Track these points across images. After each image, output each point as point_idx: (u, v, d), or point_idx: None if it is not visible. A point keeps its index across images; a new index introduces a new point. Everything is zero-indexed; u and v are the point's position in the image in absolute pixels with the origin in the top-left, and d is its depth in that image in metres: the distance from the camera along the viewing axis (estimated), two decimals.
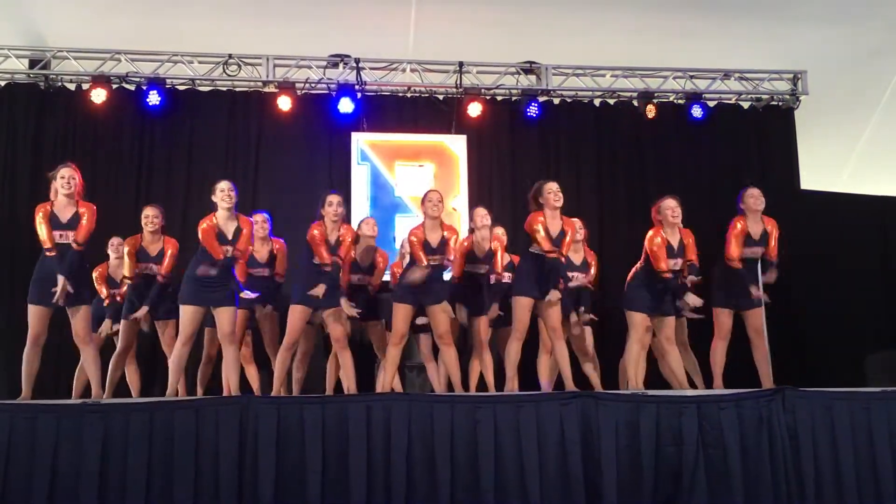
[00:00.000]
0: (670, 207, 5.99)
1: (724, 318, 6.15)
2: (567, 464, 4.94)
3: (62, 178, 5.53)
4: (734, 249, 6.08)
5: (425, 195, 6.00)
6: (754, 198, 6.20)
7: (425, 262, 5.73)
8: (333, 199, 5.87)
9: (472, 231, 6.33)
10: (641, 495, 4.94)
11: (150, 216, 6.13)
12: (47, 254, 5.45)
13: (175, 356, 5.68)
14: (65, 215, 5.51)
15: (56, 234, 5.47)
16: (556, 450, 4.96)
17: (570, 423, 4.99)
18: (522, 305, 5.83)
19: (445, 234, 5.87)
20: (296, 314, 5.76)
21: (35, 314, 5.51)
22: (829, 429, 5.18)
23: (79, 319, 5.56)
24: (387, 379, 5.91)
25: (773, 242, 6.19)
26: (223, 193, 5.71)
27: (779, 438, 5.07)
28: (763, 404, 5.13)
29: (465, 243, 6.21)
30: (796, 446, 5.09)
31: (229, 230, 5.69)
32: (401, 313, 5.78)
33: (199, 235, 5.67)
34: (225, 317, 5.63)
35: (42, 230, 5.46)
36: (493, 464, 4.90)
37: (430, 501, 4.84)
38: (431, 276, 5.81)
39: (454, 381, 5.93)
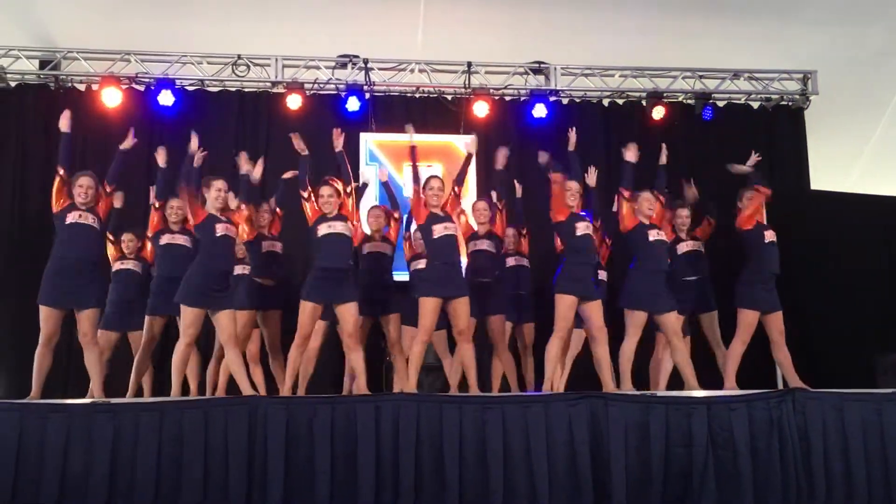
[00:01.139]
0: (647, 199, 6.01)
1: (749, 319, 6.02)
2: (576, 465, 4.93)
3: (80, 186, 5.70)
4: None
5: (426, 182, 5.90)
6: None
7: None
8: (325, 190, 5.81)
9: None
10: (650, 497, 4.93)
11: (174, 206, 6.20)
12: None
13: (177, 356, 5.64)
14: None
15: (76, 213, 5.63)
16: (565, 451, 4.95)
17: (579, 424, 4.98)
18: (566, 303, 5.74)
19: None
20: (306, 310, 5.66)
21: (47, 315, 5.55)
22: (839, 430, 5.15)
23: (86, 320, 5.61)
24: (412, 378, 5.75)
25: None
26: (218, 193, 5.72)
27: (789, 440, 5.05)
28: (773, 405, 5.11)
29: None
30: (807, 448, 5.07)
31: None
32: (429, 307, 5.67)
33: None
34: (223, 320, 5.58)
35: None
36: (501, 464, 4.89)
37: (438, 502, 4.84)
38: (454, 269, 5.77)
39: (470, 379, 5.83)
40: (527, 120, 8.63)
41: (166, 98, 8.09)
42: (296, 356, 5.71)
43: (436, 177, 5.95)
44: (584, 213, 5.98)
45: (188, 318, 5.53)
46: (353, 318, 5.65)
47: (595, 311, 5.81)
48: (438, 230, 5.77)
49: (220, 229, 5.60)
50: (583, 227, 5.86)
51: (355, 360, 5.74)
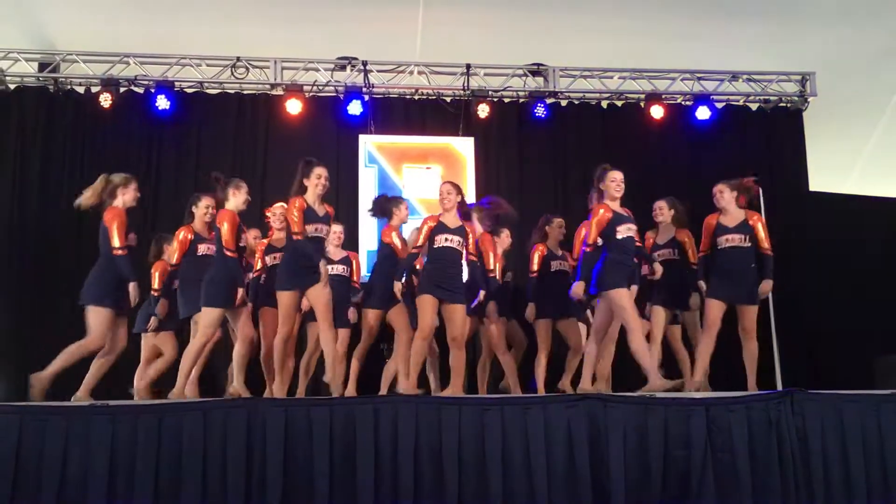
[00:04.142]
0: (615, 180, 5.83)
1: (715, 312, 5.89)
2: (575, 467, 4.91)
3: (135, 189, 5.80)
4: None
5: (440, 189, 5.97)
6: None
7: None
8: (322, 171, 5.72)
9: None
10: (650, 499, 4.91)
11: (208, 206, 6.15)
12: (119, 252, 5.56)
13: (190, 354, 5.73)
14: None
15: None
16: (564, 453, 4.93)
17: (578, 426, 4.97)
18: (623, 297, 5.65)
19: (466, 227, 5.87)
20: (285, 301, 5.62)
21: (103, 317, 5.60)
22: (838, 431, 5.14)
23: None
24: (412, 375, 5.77)
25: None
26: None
27: (788, 441, 5.04)
28: (772, 407, 5.10)
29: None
30: (805, 449, 5.06)
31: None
32: (427, 305, 5.68)
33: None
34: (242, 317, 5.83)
35: (117, 233, 5.60)
36: (500, 467, 4.88)
37: None
38: (456, 273, 5.78)
39: (457, 384, 5.84)
40: (526, 121, 8.64)
41: (161, 102, 8.12)
42: (280, 351, 5.69)
43: (447, 182, 6.01)
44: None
45: (209, 317, 5.63)
46: (322, 304, 5.59)
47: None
48: (440, 240, 5.79)
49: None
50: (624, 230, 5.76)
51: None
